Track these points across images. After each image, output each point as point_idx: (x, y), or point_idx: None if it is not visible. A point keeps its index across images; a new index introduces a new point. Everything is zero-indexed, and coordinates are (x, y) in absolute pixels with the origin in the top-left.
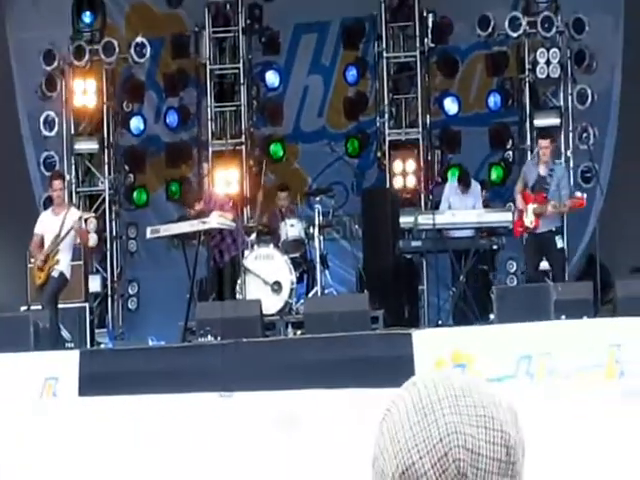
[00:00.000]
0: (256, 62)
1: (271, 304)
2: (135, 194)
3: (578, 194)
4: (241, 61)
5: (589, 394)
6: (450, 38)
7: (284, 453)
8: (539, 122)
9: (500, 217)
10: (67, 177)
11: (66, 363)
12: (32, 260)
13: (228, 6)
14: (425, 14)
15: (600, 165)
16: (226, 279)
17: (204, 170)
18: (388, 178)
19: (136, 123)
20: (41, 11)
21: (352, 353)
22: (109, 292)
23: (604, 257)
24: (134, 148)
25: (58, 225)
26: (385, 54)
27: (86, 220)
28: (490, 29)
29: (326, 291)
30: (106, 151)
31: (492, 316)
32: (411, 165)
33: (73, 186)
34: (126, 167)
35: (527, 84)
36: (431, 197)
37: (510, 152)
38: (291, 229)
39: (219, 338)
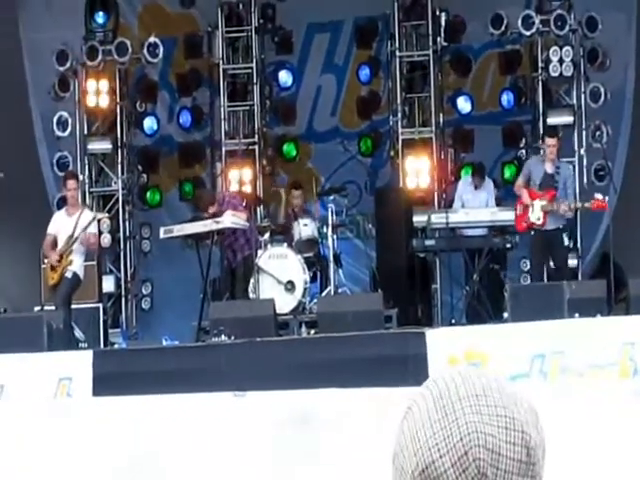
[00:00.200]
0: (269, 62)
1: (284, 303)
2: (148, 194)
3: (599, 196)
4: (254, 61)
5: (602, 392)
6: (463, 37)
7: (297, 452)
8: (552, 120)
9: (513, 215)
10: (80, 177)
11: (80, 363)
12: (45, 261)
13: (241, 6)
14: (438, 13)
15: (613, 163)
16: (239, 279)
17: (217, 170)
18: (401, 177)
19: (149, 123)
20: (54, 11)
21: (365, 352)
22: (123, 292)
23: (618, 255)
24: (147, 148)
25: (72, 226)
26: (398, 53)
27: (99, 220)
28: (503, 27)
29: (339, 290)
30: (119, 151)
31: (505, 315)
32: (424, 164)
33: (86, 186)
34: (139, 167)
35: (540, 82)
36: (444, 196)
37: (523, 151)
38: (304, 228)
39: (233, 338)
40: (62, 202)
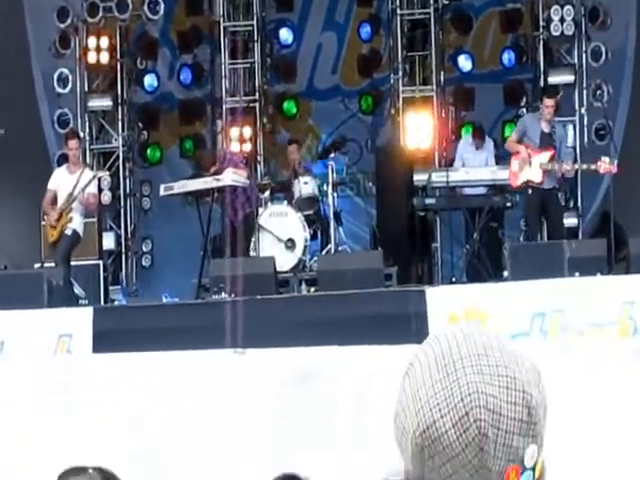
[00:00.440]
0: (270, 19)
1: (285, 261)
2: (149, 151)
3: (606, 159)
4: (255, 18)
5: (602, 351)
6: None
7: (298, 410)
8: (553, 79)
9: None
10: (81, 135)
11: (80, 320)
12: (45, 217)
13: None
14: None
15: (614, 122)
16: (240, 236)
17: (218, 127)
18: (402, 135)
19: (150, 80)
20: None
21: (365, 310)
22: (123, 249)
23: (618, 214)
24: (148, 105)
25: (72, 184)
26: (399, 11)
27: (100, 178)
28: None
29: (340, 248)
30: (120, 108)
31: (505, 273)
32: (425, 122)
33: (87, 143)
34: (140, 124)
35: (541, 41)
36: (445, 154)
37: (524, 109)
38: (305, 186)
39: (233, 295)
40: (63, 159)
